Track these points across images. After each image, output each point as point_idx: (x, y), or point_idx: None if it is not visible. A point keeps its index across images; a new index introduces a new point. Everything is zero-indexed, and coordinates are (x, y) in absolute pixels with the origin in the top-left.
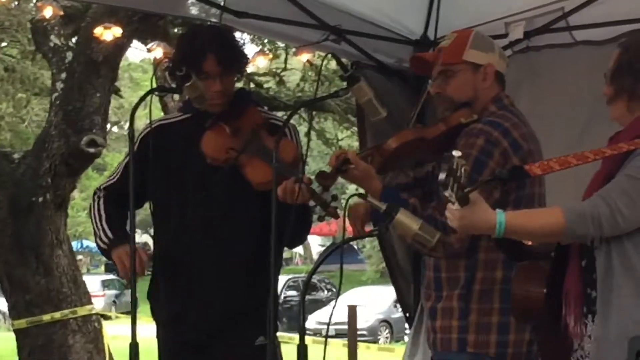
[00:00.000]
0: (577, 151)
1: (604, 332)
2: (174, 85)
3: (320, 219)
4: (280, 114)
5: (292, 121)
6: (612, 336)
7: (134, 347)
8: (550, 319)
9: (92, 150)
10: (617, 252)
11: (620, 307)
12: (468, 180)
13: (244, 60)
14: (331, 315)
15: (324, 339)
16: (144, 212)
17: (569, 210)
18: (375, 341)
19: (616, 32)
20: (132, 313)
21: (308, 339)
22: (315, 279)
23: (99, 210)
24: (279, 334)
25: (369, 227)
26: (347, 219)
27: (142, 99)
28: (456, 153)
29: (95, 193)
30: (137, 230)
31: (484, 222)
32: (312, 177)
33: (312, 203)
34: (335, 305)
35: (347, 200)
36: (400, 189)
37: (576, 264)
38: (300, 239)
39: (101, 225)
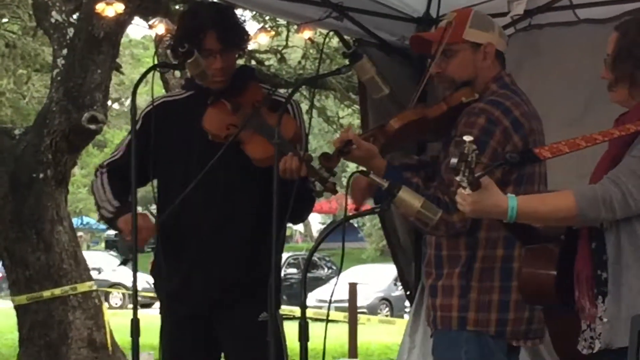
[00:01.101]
0: (579, 129)
1: (616, 313)
2: (176, 62)
3: (319, 194)
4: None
5: (293, 98)
6: (623, 317)
7: (135, 323)
8: (559, 301)
9: (92, 126)
10: (626, 232)
11: (630, 287)
12: (476, 161)
13: (244, 37)
14: (332, 293)
15: (325, 315)
16: (145, 189)
17: (580, 195)
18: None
19: (619, 10)
20: (134, 289)
21: (309, 313)
22: (315, 256)
23: (102, 184)
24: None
25: (368, 204)
26: (348, 197)
27: (144, 75)
28: (467, 138)
29: (97, 170)
30: (137, 206)
31: (495, 207)
32: (313, 156)
33: (311, 179)
34: (336, 283)
35: (349, 178)
36: (404, 169)
37: (586, 246)
38: (303, 215)
39: (105, 196)
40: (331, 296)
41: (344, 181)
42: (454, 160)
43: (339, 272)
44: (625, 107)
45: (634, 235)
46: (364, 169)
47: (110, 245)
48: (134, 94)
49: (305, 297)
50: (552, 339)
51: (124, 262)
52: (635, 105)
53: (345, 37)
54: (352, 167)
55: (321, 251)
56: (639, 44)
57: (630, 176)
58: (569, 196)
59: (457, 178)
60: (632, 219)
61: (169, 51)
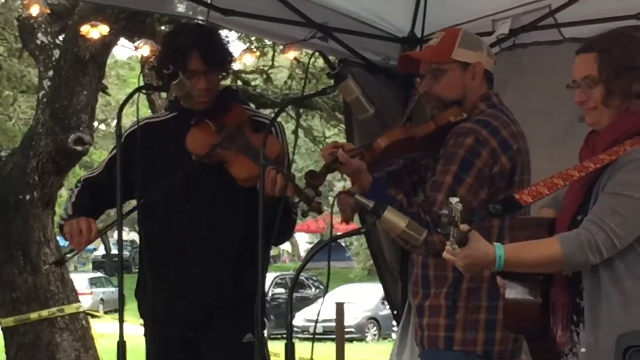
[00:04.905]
0: (563, 148)
1: (594, 342)
2: (160, 84)
3: (304, 214)
4: (267, 111)
5: (279, 119)
6: (601, 347)
7: (121, 345)
8: (542, 327)
9: (79, 148)
10: (604, 265)
11: (610, 318)
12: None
13: (229, 57)
14: (319, 313)
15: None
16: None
17: (566, 241)
18: (363, 338)
19: (604, 29)
20: (120, 311)
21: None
22: (303, 276)
23: (72, 195)
24: (269, 331)
25: (356, 223)
26: (334, 216)
27: (129, 97)
28: (453, 200)
29: (75, 184)
30: (124, 228)
31: (484, 257)
32: (300, 175)
33: (295, 199)
34: (322, 303)
35: (335, 198)
36: (390, 177)
37: (561, 274)
38: (285, 236)
39: (69, 204)
40: (317, 316)
41: (331, 200)
42: (444, 220)
43: (325, 291)
44: (597, 128)
45: (611, 268)
46: (350, 188)
47: (97, 266)
48: (119, 115)
49: (292, 317)
50: None
51: (58, 262)
52: (606, 128)
53: (331, 57)
54: (338, 186)
55: (308, 271)
56: (634, 56)
57: (611, 215)
58: (554, 244)
59: (448, 243)
60: None
61: (154, 72)
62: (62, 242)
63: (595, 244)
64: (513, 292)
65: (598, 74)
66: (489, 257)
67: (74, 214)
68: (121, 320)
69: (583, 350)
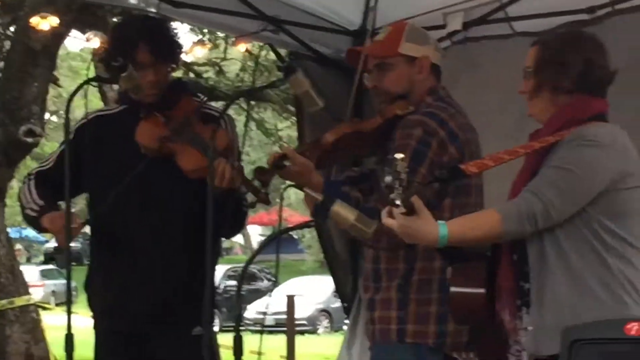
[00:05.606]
0: (515, 141)
1: (540, 322)
2: (109, 76)
3: (252, 205)
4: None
5: (230, 111)
6: (548, 324)
7: (69, 338)
8: (489, 318)
9: (30, 140)
10: (549, 240)
11: (554, 294)
12: (409, 180)
13: (178, 50)
14: (267, 306)
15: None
16: (83, 202)
17: (504, 212)
18: (315, 331)
19: (554, 23)
20: (68, 304)
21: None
22: (255, 268)
23: (29, 188)
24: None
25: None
26: (287, 209)
27: (78, 89)
28: (398, 155)
29: (25, 177)
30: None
31: (427, 233)
32: (252, 167)
33: (243, 190)
34: (270, 296)
35: (283, 191)
36: (347, 183)
37: (508, 258)
38: (236, 229)
39: (31, 198)
40: (266, 308)
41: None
42: (388, 178)
43: (274, 284)
44: (539, 121)
45: (557, 243)
46: None
47: (49, 258)
48: (67, 107)
49: (241, 310)
50: (481, 357)
51: (48, 260)
52: (548, 120)
53: (282, 50)
54: None
55: (260, 263)
56: (561, 52)
57: (549, 187)
58: (493, 216)
59: (391, 195)
60: (555, 226)
61: (103, 64)
62: (14, 235)
63: (532, 212)
64: (458, 283)
65: (533, 66)
66: (431, 235)
67: (46, 204)
68: (69, 313)
69: (530, 328)
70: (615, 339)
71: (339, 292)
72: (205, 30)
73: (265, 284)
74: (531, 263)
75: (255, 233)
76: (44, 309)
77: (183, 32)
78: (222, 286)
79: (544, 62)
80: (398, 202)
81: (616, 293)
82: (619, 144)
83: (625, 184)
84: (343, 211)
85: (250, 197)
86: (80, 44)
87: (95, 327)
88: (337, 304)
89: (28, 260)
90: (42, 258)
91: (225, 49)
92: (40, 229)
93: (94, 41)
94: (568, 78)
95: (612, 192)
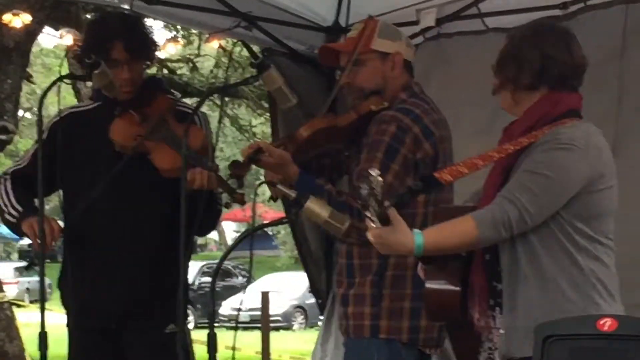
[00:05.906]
0: (488, 137)
1: (511, 323)
2: (83, 73)
3: (227, 205)
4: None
5: (204, 107)
6: (520, 326)
7: (43, 336)
8: (463, 316)
9: (3, 137)
10: (521, 243)
11: (526, 297)
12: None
13: (152, 47)
14: (241, 302)
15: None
16: (56, 199)
17: (479, 219)
18: (290, 327)
19: (527, 19)
20: (41, 301)
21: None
22: (229, 265)
23: (6, 189)
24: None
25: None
26: (261, 205)
27: (51, 86)
28: (373, 172)
29: (1, 176)
30: (54, 217)
31: (402, 244)
32: (226, 164)
33: (219, 190)
34: (245, 292)
35: (257, 187)
36: (317, 175)
37: (479, 258)
38: (209, 227)
39: (9, 201)
40: (240, 305)
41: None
42: (364, 192)
43: (248, 281)
44: (512, 114)
45: (529, 246)
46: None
47: (24, 255)
48: (40, 104)
49: (215, 306)
50: (456, 354)
51: (27, 267)
52: (522, 116)
53: (256, 46)
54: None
55: (235, 259)
56: (522, 47)
57: (523, 192)
58: (469, 223)
59: (367, 213)
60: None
61: (77, 61)
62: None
63: (507, 219)
64: (433, 280)
65: (496, 62)
66: (407, 245)
67: (25, 210)
68: (42, 311)
69: (502, 331)
70: (588, 334)
71: (313, 288)
72: (179, 27)
73: (239, 280)
74: (503, 265)
75: (230, 229)
76: (18, 306)
77: (157, 28)
78: (196, 283)
79: (504, 57)
80: (374, 217)
81: (587, 294)
82: (593, 147)
83: (598, 186)
84: (316, 208)
85: (225, 197)
86: (54, 40)
87: (69, 324)
88: (312, 300)
89: (2, 258)
90: (17, 255)
91: (199, 45)
92: (20, 234)
93: (67, 38)
94: (526, 74)
95: (585, 195)
